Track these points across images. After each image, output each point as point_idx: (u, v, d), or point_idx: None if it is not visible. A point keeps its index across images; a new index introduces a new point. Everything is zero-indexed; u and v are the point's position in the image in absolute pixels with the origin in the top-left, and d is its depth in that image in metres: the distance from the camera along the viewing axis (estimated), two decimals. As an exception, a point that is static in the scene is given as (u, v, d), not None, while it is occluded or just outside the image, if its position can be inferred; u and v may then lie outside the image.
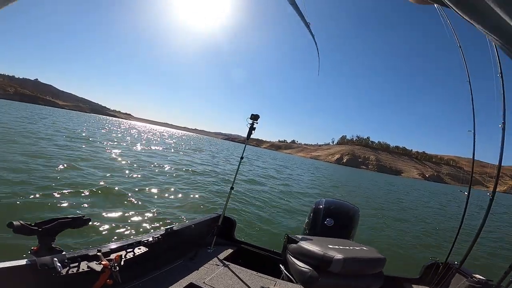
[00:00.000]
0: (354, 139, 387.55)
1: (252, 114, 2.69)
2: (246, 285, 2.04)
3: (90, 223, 1.58)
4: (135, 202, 5.56)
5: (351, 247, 1.81)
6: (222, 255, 2.48)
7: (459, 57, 2.52)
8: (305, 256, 1.78)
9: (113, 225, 4.22)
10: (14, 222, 1.20)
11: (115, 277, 1.48)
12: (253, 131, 2.70)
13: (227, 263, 2.33)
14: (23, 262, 1.27)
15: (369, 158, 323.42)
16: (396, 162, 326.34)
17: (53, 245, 1.37)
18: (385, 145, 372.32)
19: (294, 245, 1.91)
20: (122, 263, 1.58)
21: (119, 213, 4.77)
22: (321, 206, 2.49)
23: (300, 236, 2.03)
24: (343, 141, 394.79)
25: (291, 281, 2.16)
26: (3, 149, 8.07)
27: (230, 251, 2.62)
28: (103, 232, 3.93)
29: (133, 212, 4.90)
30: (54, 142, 11.88)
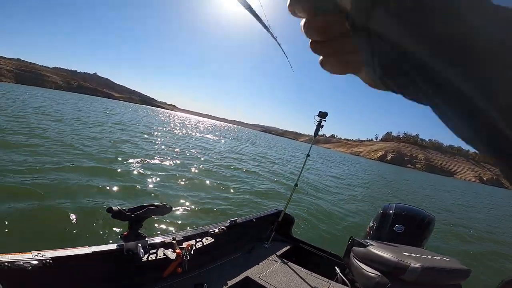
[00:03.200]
0: (401, 136, 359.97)
1: (320, 112, 2.67)
2: (301, 283, 1.99)
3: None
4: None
5: (429, 256, 1.71)
6: (278, 252, 2.46)
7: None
8: (374, 261, 1.72)
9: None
10: (113, 207, 1.29)
11: (183, 266, 1.54)
12: (320, 129, 2.67)
13: (282, 259, 2.32)
14: (113, 246, 1.37)
15: (417, 156, 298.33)
16: (449, 163, 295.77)
17: (139, 231, 1.46)
18: (437, 143, 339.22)
19: (361, 248, 1.86)
20: (192, 252, 1.64)
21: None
22: (391, 211, 2.36)
23: (368, 241, 1.95)
24: (388, 137, 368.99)
25: (346, 284, 2.09)
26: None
27: (286, 248, 2.60)
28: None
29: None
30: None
